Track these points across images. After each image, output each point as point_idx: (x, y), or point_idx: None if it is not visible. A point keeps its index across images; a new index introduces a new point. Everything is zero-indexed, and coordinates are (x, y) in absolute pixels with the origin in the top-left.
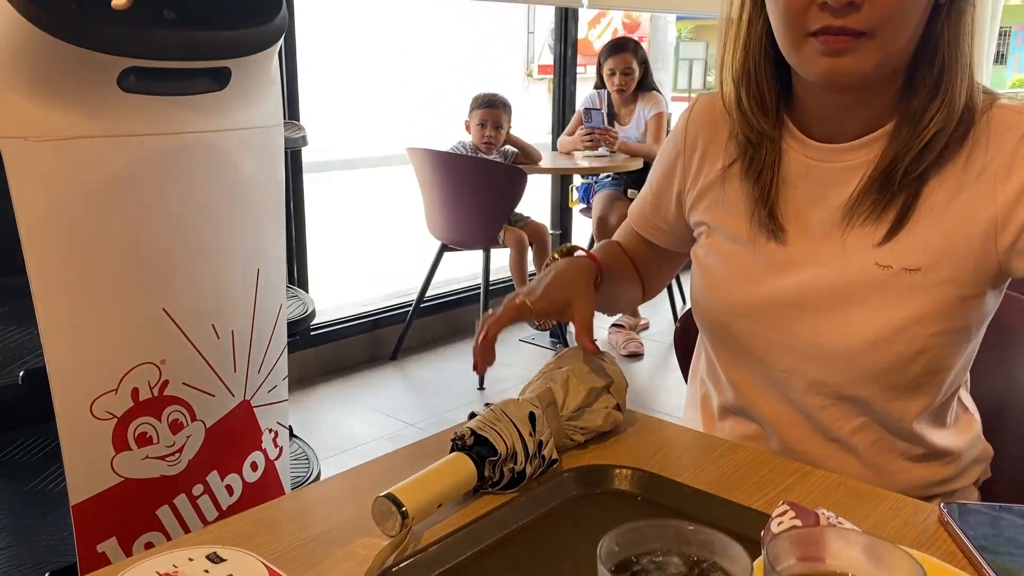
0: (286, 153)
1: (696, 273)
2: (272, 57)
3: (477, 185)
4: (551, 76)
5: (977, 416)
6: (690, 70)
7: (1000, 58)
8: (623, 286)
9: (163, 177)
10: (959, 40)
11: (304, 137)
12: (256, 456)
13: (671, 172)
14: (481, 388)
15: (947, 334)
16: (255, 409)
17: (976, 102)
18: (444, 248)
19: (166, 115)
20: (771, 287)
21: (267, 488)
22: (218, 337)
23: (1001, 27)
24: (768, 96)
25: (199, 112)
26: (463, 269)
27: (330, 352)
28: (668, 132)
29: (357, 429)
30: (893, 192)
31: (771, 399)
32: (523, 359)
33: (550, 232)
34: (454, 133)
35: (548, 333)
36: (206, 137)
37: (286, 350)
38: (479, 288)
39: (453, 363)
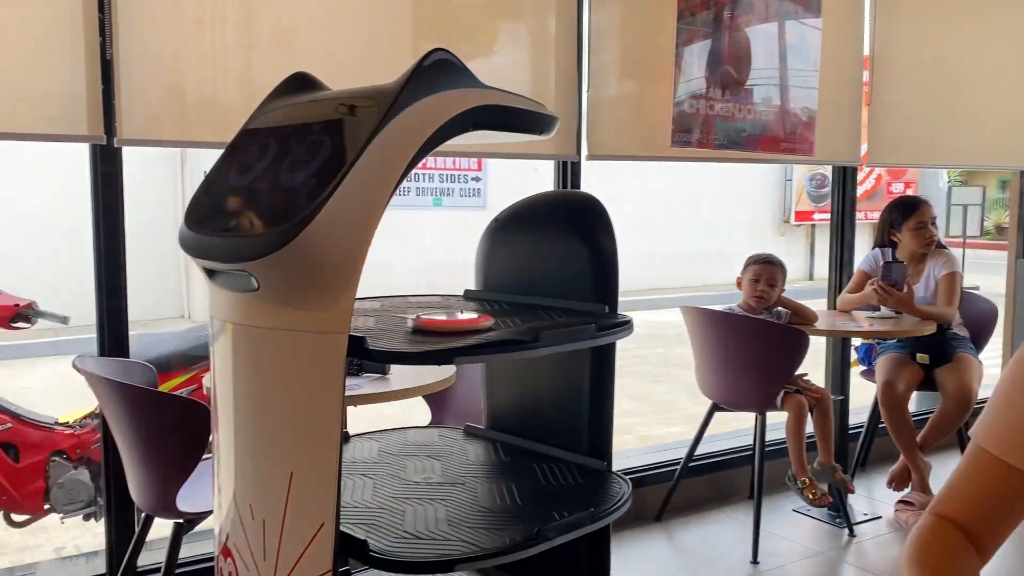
0: None
1: None
2: None
3: (754, 346)
4: (808, 223)
5: None
6: (964, 216)
7: None
8: None
9: None
10: None
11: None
12: None
13: None
14: (755, 562)
15: None
16: None
17: None
18: (715, 408)
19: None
20: None
21: None
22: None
23: None
24: None
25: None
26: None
27: None
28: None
29: None
30: None
31: None
32: (799, 532)
33: (833, 398)
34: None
35: (826, 508)
36: None
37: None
38: (751, 450)
39: (723, 529)
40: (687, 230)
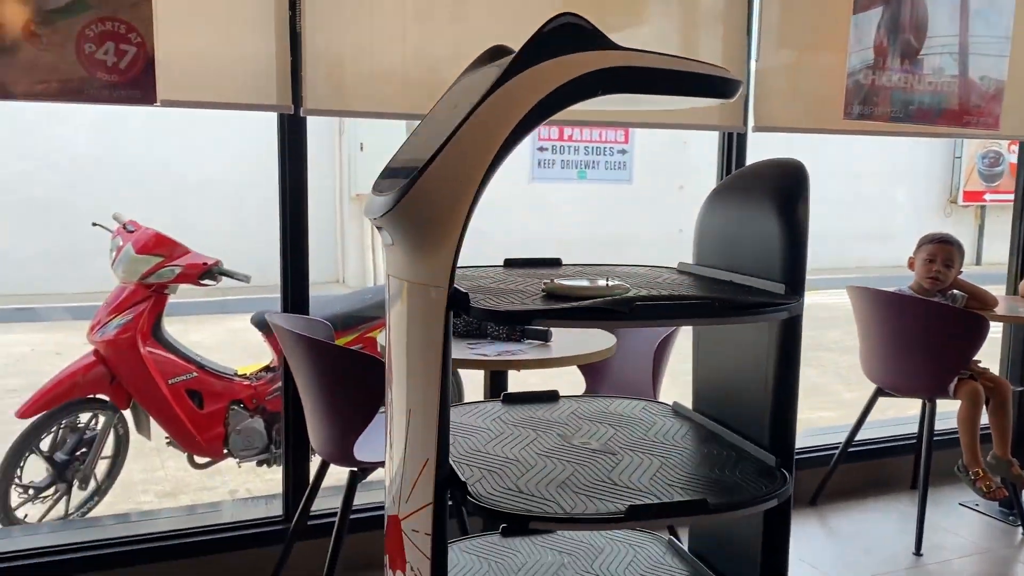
0: None
1: None
2: None
3: (928, 330)
4: (977, 204)
5: None
6: None
7: None
8: None
9: None
10: None
11: None
12: None
13: None
14: (918, 554)
15: None
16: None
17: None
18: (879, 392)
19: None
20: None
21: None
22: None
23: None
24: None
25: None
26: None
27: None
28: None
29: None
30: None
31: None
32: (965, 526)
33: (1013, 388)
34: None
35: (998, 503)
36: None
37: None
38: (914, 438)
39: (883, 519)
40: (842, 208)
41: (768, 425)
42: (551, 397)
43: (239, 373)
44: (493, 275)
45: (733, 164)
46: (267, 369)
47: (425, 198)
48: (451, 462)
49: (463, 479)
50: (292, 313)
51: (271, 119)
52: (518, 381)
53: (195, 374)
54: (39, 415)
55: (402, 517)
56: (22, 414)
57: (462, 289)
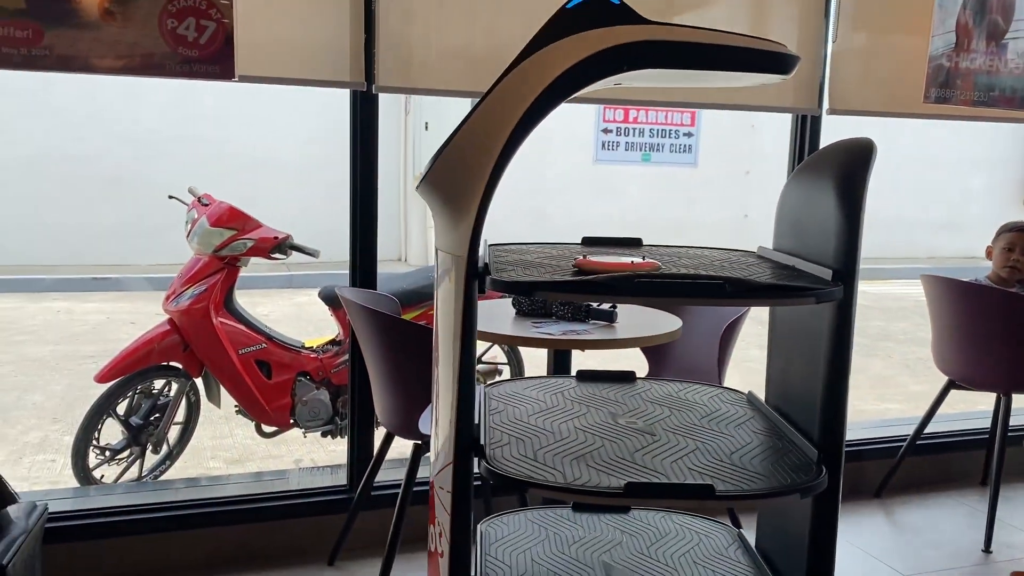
0: None
1: None
2: None
3: (1006, 322)
4: None
5: None
6: None
7: None
8: None
9: None
10: None
11: None
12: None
13: None
14: (987, 551)
15: None
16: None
17: None
18: (951, 385)
19: None
20: None
21: None
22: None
23: None
24: None
25: None
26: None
27: None
28: None
29: (839, 565)
30: None
31: None
32: None
33: None
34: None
35: None
36: None
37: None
38: (986, 433)
39: (950, 514)
40: (915, 196)
41: (818, 418)
42: (627, 378)
43: (306, 346)
44: (551, 251)
45: (806, 148)
46: (333, 343)
47: (450, 168)
48: (492, 427)
49: (484, 444)
50: (360, 288)
51: (342, 100)
52: (580, 363)
53: (264, 345)
54: (116, 380)
55: (433, 476)
56: (100, 378)
57: (486, 260)
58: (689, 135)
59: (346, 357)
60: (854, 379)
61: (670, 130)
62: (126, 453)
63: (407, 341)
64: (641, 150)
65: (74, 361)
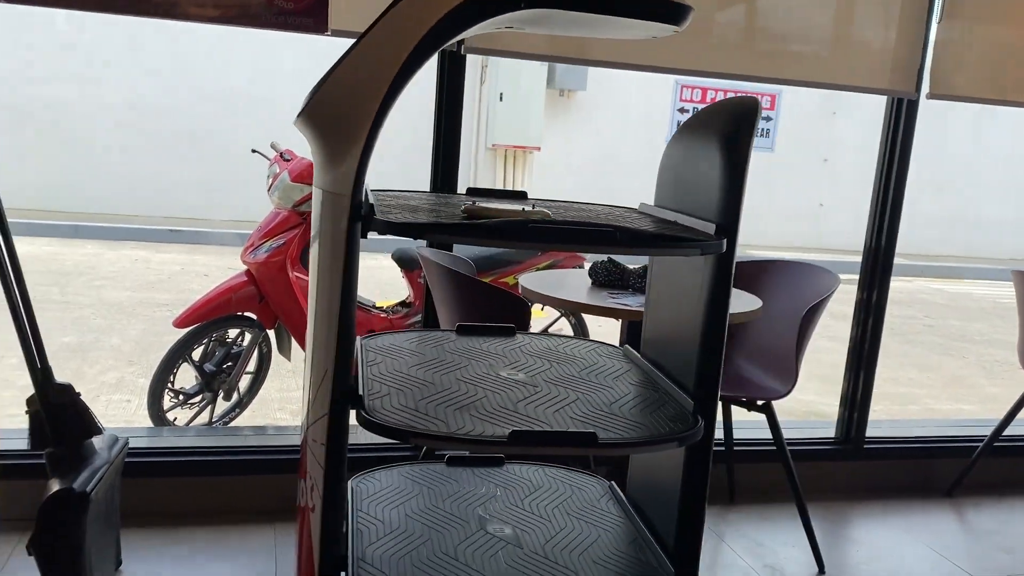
0: None
1: None
2: None
3: None
4: None
5: None
6: None
7: None
8: None
9: None
10: None
11: None
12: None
13: None
14: None
15: None
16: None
17: None
18: None
19: None
20: None
21: None
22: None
23: None
24: None
25: None
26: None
27: (880, 470)
28: None
29: (907, 562)
30: None
31: None
32: None
33: None
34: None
35: None
36: None
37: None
38: None
39: None
40: (1002, 193)
41: (694, 370)
42: (506, 332)
43: (376, 306)
44: (435, 199)
45: (900, 133)
46: (403, 304)
47: (335, 101)
48: (370, 379)
49: (363, 394)
50: (438, 250)
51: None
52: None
53: None
54: (193, 327)
55: (305, 429)
56: (179, 324)
57: (370, 201)
58: (767, 119)
59: (416, 318)
60: (927, 376)
61: None
62: (198, 398)
63: (485, 302)
64: None
65: (149, 308)
